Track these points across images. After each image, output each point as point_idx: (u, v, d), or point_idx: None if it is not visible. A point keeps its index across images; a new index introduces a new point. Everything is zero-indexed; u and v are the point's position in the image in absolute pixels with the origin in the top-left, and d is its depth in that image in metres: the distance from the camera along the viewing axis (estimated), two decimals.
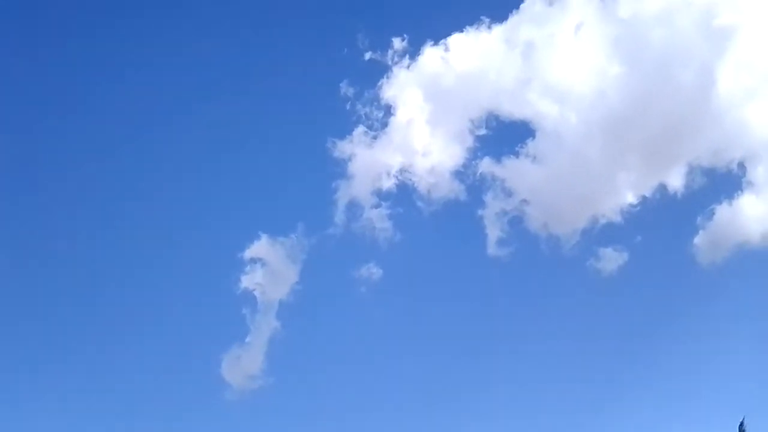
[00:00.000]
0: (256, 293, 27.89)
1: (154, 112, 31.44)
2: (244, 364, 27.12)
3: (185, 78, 31.53)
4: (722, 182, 27.09)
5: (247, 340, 27.51)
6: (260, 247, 28.53)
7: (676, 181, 27.06)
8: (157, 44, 31.82)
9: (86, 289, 29.47)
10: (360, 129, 29.48)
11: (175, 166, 31.22)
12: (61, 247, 29.78)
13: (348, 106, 29.64)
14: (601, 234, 27.38)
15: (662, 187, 27.13)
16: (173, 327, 28.54)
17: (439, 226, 29.02)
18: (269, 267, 28.40)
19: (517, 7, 28.73)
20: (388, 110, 29.61)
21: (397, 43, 29.65)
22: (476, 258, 28.40)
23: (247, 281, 27.95)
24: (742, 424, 13.56)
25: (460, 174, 28.80)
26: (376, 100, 29.63)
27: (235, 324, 27.74)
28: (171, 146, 31.40)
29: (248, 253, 28.36)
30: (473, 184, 28.67)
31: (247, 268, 28.28)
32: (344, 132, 29.44)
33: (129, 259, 30.00)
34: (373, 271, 28.25)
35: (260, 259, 28.43)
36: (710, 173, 27.00)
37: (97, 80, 31.55)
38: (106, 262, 29.69)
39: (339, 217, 28.88)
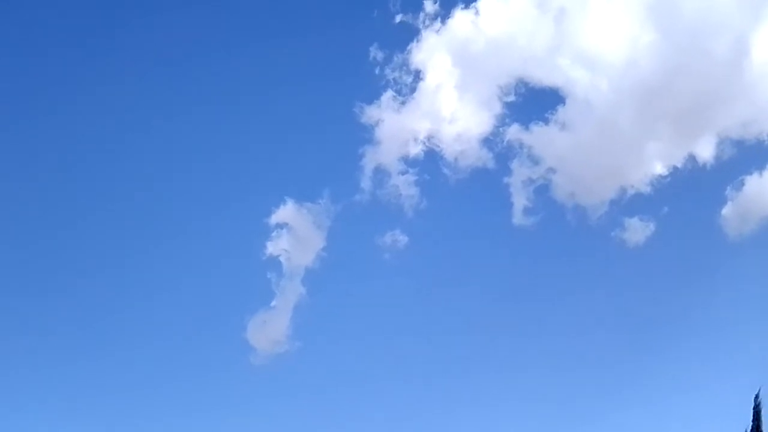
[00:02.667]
0: (282, 259, 27.99)
1: (180, 76, 31.19)
2: (269, 329, 27.41)
3: (210, 39, 31.25)
4: (753, 153, 26.79)
5: (273, 304, 27.71)
6: (286, 212, 28.57)
7: (705, 151, 26.81)
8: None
9: (112, 254, 29.73)
10: (388, 94, 29.11)
11: (200, 131, 31.08)
12: (88, 214, 30.09)
13: (377, 71, 29.22)
14: (629, 205, 27.30)
15: (692, 158, 26.91)
16: (198, 292, 28.85)
17: (466, 194, 28.97)
18: (295, 233, 28.51)
19: None
20: (417, 75, 29.25)
21: (429, 6, 29.09)
22: (501, 227, 28.43)
23: (272, 247, 28.04)
24: (757, 396, 13.75)
25: (488, 141, 28.58)
26: (405, 64, 29.21)
27: (261, 289, 27.86)
28: (195, 112, 31.20)
29: (274, 219, 28.42)
30: (501, 152, 28.51)
31: (273, 234, 28.39)
32: (372, 97, 29.13)
33: (154, 227, 30.12)
34: (398, 238, 28.36)
35: (286, 225, 28.52)
36: (740, 144, 26.69)
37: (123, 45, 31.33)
38: (132, 229, 29.82)
39: (365, 182, 28.82)
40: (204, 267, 29.25)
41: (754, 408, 12.47)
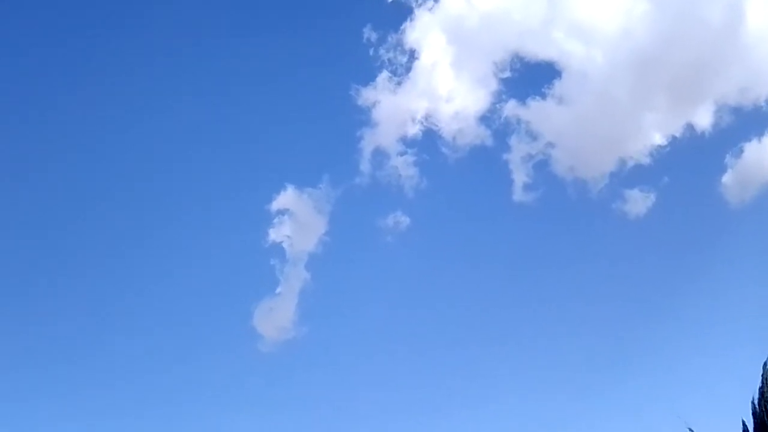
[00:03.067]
0: (285, 245, 28.04)
1: (177, 66, 31.06)
2: (275, 316, 27.53)
3: (206, 28, 30.93)
4: (751, 120, 26.72)
5: (278, 291, 27.82)
6: (286, 199, 28.56)
7: (704, 120, 26.71)
8: None
9: (114, 247, 29.81)
10: (384, 75, 28.88)
11: (198, 121, 30.96)
12: (90, 206, 30.08)
13: (371, 52, 28.99)
14: (629, 176, 27.31)
15: (690, 127, 26.82)
16: (204, 282, 28.92)
17: (465, 173, 28.95)
18: (296, 218, 28.55)
19: None
20: (412, 54, 28.96)
21: None
22: (502, 204, 28.53)
23: (274, 234, 28.08)
24: (766, 364, 13.85)
25: (485, 119, 28.42)
26: (399, 44, 28.94)
27: (265, 277, 28.03)
28: (193, 102, 31.09)
29: (275, 205, 28.42)
30: (498, 129, 28.41)
31: (275, 220, 28.41)
32: (368, 78, 28.95)
33: (155, 219, 30.20)
34: (400, 219, 28.38)
35: (287, 210, 28.53)
36: (738, 111, 26.59)
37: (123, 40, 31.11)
38: (133, 221, 29.88)
39: (364, 165, 28.74)
40: (208, 257, 29.45)
41: (762, 375, 12.54)
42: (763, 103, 26.48)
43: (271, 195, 28.53)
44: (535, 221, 28.46)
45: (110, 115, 30.79)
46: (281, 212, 28.45)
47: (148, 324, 28.41)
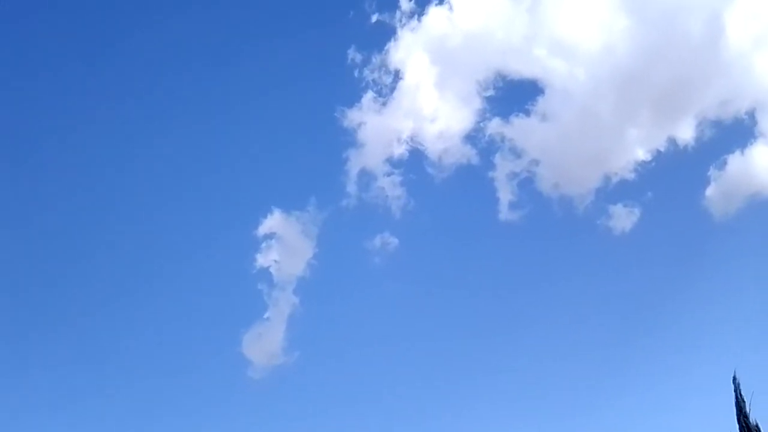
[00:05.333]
0: (272, 270, 27.96)
1: (163, 87, 31.17)
2: (265, 342, 27.41)
3: (191, 50, 31.26)
4: (733, 132, 26.88)
5: (266, 316, 27.69)
6: (273, 222, 28.56)
7: (686, 133, 26.88)
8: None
9: (103, 273, 29.55)
10: (369, 95, 29.15)
11: (183, 146, 31.18)
12: (75, 230, 29.94)
13: (356, 73, 29.25)
14: (614, 192, 27.36)
15: (673, 141, 26.97)
16: (192, 309, 28.72)
17: (452, 192, 28.98)
18: (284, 242, 28.50)
19: None
20: (397, 75, 29.22)
21: (405, 4, 29.10)
22: (489, 223, 28.51)
23: (262, 258, 28.02)
24: (735, 378, 13.85)
25: (470, 138, 28.57)
26: (384, 64, 29.20)
27: (253, 302, 27.90)
28: (177, 125, 31.21)
29: (262, 230, 28.39)
30: (483, 147, 28.50)
31: (263, 245, 28.36)
32: (353, 99, 29.18)
33: (144, 244, 30.00)
34: (388, 240, 28.37)
35: (274, 234, 28.50)
36: (719, 124, 26.82)
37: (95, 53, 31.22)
38: (123, 246, 29.76)
39: (351, 187, 28.81)
40: (195, 282, 29.35)
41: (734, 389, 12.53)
42: (744, 116, 26.80)
43: (258, 219, 28.59)
44: (522, 239, 28.56)
45: (98, 137, 30.89)
46: (268, 236, 28.51)
47: (137, 349, 28.18)
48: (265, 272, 28.02)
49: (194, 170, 30.54)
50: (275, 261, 28.17)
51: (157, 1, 32.01)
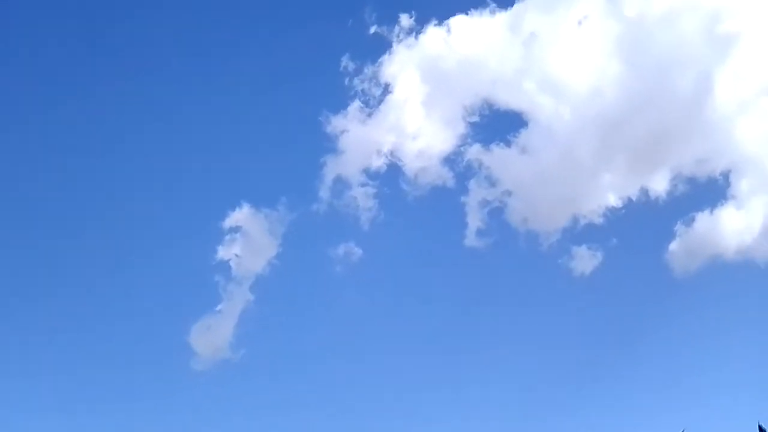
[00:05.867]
0: (232, 263, 27.89)
1: (148, 76, 31.22)
2: (213, 335, 27.30)
3: (181, 40, 31.16)
4: (706, 191, 27.09)
5: (219, 309, 27.55)
6: (241, 216, 28.48)
7: (659, 185, 27.09)
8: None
9: (58, 247, 29.37)
10: (356, 105, 29.26)
11: (168, 130, 31.12)
12: (42, 216, 29.72)
13: (347, 81, 29.36)
14: (580, 234, 27.48)
15: (645, 191, 27.16)
16: (143, 291, 28.68)
17: (423, 211, 29.05)
18: (248, 238, 28.45)
19: None
20: (386, 88, 29.35)
21: (405, 20, 29.25)
22: (454, 247, 28.52)
23: (223, 251, 27.95)
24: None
25: (449, 160, 28.71)
26: (375, 76, 29.35)
27: (208, 293, 27.79)
28: (163, 108, 31.22)
29: (228, 222, 28.32)
30: (460, 171, 28.62)
31: (226, 237, 28.27)
32: (339, 106, 29.23)
33: (105, 221, 29.97)
34: (352, 250, 28.37)
35: (240, 229, 28.41)
36: (693, 181, 27.07)
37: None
38: (86, 222, 29.64)
39: (324, 192, 28.80)
40: (153, 267, 29.11)
41: None
42: (718, 176, 27.03)
43: (226, 211, 28.49)
44: (484, 267, 28.52)
45: (72, 124, 30.80)
46: (234, 230, 28.42)
47: (80, 327, 27.87)
48: (224, 265, 28.00)
49: (170, 159, 30.58)
50: (236, 255, 28.13)
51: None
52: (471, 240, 27.91)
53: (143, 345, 27.78)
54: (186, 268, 28.90)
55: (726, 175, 26.81)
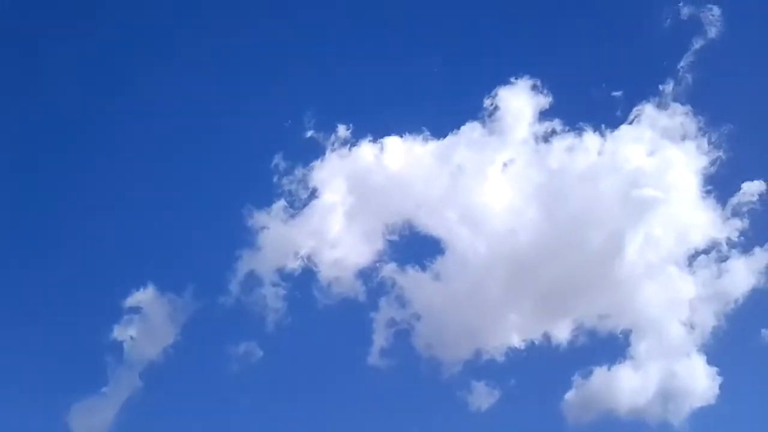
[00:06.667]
0: (126, 346, 27.19)
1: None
2: (93, 418, 26.16)
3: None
4: (606, 347, 27.52)
5: (104, 391, 26.65)
6: (143, 297, 27.89)
7: (561, 333, 27.45)
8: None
9: None
10: (280, 203, 29.46)
11: (86, 188, 30.76)
12: None
13: (275, 179, 29.70)
14: (480, 369, 27.51)
15: (547, 337, 27.53)
16: (27, 363, 27.28)
17: (331, 321, 28.70)
18: (147, 321, 27.76)
19: (458, 128, 29.47)
20: (314, 192, 29.72)
21: (342, 130, 29.95)
22: (356, 364, 28.21)
23: (119, 331, 27.27)
24: None
25: (363, 274, 28.80)
26: (304, 179, 29.74)
27: (95, 372, 26.90)
28: (93, 164, 30.94)
29: (130, 301, 27.75)
30: (373, 287, 28.74)
31: (124, 317, 27.66)
32: (264, 203, 29.39)
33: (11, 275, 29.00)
34: (253, 351, 27.87)
35: (140, 310, 27.82)
36: (594, 335, 27.55)
37: None
38: None
39: (234, 286, 28.49)
40: (41, 334, 27.90)
41: None
42: (619, 335, 27.59)
43: (129, 289, 27.94)
44: (383, 387, 28.07)
45: None
46: (134, 310, 27.81)
47: None
48: (117, 345, 27.28)
49: (84, 223, 30.01)
50: (131, 337, 27.45)
51: None
52: (374, 358, 27.83)
53: (17, 418, 26.49)
54: (77, 342, 28.07)
55: (626, 335, 27.43)
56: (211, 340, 28.54)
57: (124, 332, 27.24)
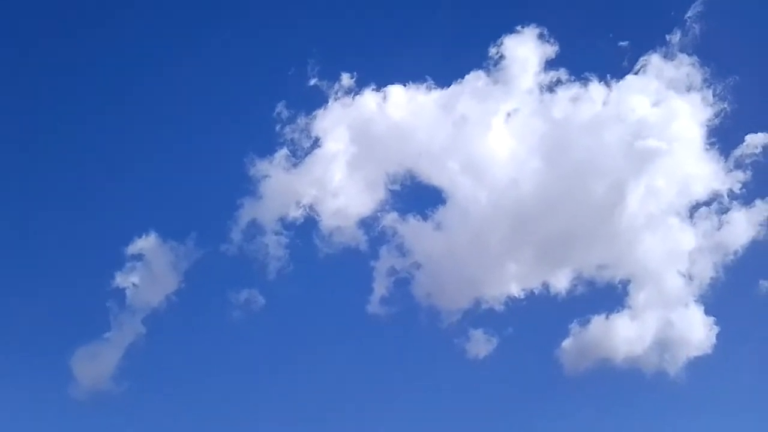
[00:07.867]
0: (128, 292, 27.39)
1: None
2: (97, 363, 26.51)
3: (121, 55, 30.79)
4: (604, 296, 27.77)
5: (106, 336, 26.94)
6: (146, 244, 28.05)
7: (560, 283, 27.70)
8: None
9: None
10: (282, 152, 29.38)
11: (86, 140, 30.67)
12: None
13: (278, 128, 29.55)
14: (479, 317, 27.82)
15: (546, 286, 27.77)
16: (30, 308, 27.53)
17: (331, 270, 29.02)
18: (149, 268, 27.92)
19: (462, 77, 29.20)
20: (316, 142, 29.61)
21: (345, 79, 29.66)
22: (356, 312, 28.48)
23: (121, 278, 27.41)
24: None
25: (365, 223, 28.92)
26: (307, 128, 29.59)
27: (97, 318, 27.15)
28: (92, 120, 30.66)
29: (131, 249, 27.85)
30: (374, 236, 28.86)
31: (127, 264, 27.78)
32: (266, 152, 29.31)
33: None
34: (254, 298, 28.13)
35: (142, 257, 27.97)
36: (593, 285, 27.75)
37: None
38: None
39: (236, 234, 28.62)
40: (45, 281, 28.29)
41: None
42: (617, 284, 27.81)
43: (131, 236, 28.05)
44: (383, 335, 28.57)
45: None
46: (136, 257, 27.95)
47: None
48: (119, 292, 27.48)
49: (85, 175, 30.01)
50: (134, 284, 27.65)
51: None
52: (374, 306, 28.11)
53: (21, 363, 26.87)
54: (80, 288, 28.39)
55: (625, 285, 27.67)
56: (213, 287, 28.88)
57: (126, 279, 27.49)
